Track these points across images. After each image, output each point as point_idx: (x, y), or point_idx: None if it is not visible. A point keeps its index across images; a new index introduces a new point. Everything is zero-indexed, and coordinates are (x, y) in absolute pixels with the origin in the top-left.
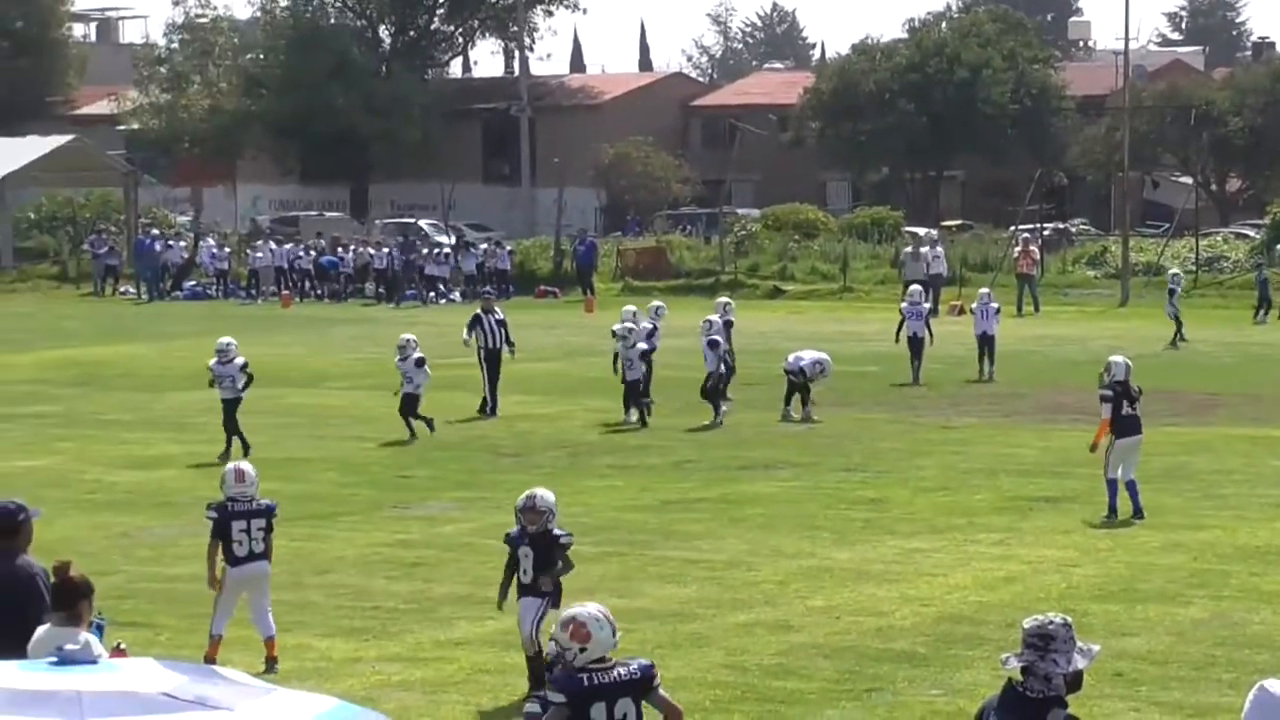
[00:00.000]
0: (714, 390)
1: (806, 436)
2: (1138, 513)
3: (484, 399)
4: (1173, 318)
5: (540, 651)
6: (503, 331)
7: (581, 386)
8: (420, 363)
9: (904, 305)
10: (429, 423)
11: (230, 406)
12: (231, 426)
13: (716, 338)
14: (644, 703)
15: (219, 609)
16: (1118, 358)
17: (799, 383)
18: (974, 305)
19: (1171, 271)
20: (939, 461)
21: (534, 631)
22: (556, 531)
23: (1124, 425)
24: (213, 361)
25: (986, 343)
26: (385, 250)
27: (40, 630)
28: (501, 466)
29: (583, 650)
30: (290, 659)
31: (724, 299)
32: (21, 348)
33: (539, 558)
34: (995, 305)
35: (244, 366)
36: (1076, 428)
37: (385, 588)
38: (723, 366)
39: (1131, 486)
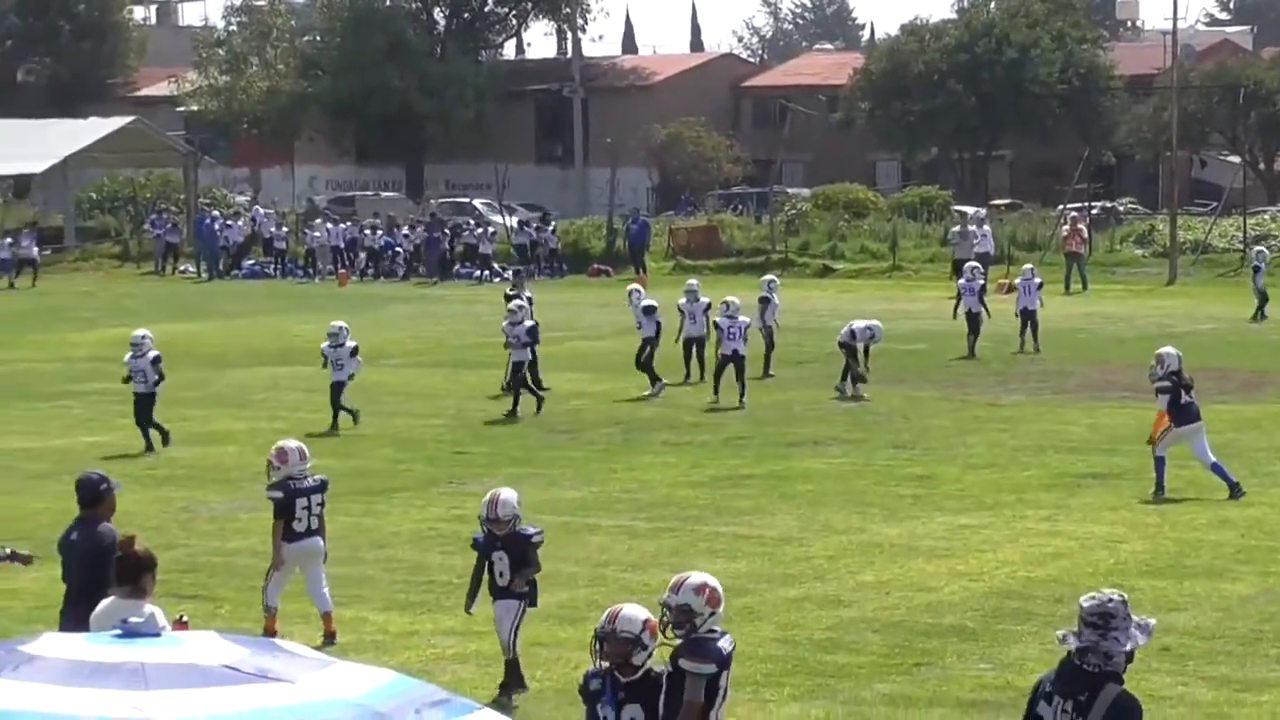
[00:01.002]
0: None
1: (856, 413)
2: (1234, 489)
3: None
4: (1258, 293)
5: (518, 657)
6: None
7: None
8: (353, 351)
9: (961, 282)
10: (354, 414)
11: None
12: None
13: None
14: None
15: (273, 582)
16: (1169, 349)
17: (851, 352)
18: (1018, 280)
19: (1256, 249)
20: (987, 439)
21: (513, 636)
22: (527, 530)
23: (1183, 414)
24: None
25: (1028, 317)
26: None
27: (104, 603)
28: (556, 443)
29: (712, 614)
30: (348, 632)
31: (769, 277)
32: (84, 326)
33: (514, 560)
34: (1038, 281)
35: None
36: (1125, 405)
37: (441, 562)
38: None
39: (1217, 469)
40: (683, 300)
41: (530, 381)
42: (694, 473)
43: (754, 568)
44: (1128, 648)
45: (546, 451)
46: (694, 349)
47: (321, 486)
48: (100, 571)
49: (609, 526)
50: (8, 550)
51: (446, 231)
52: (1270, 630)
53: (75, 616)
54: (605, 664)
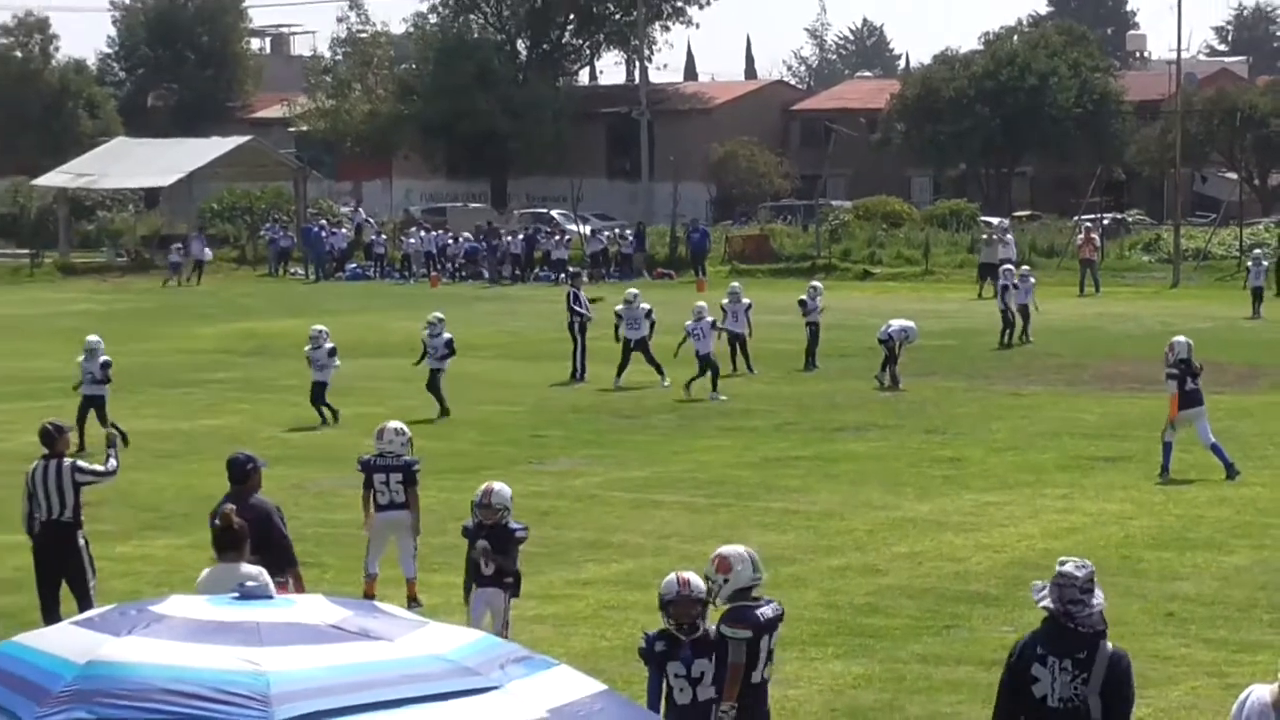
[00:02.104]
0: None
1: (893, 402)
2: (1230, 470)
3: (576, 366)
4: (1253, 291)
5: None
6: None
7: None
8: (332, 352)
9: (1000, 284)
10: (334, 413)
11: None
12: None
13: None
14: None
15: (369, 550)
16: (1180, 338)
17: (890, 349)
18: (1014, 281)
19: (1255, 251)
20: (1010, 425)
21: (504, 627)
22: (512, 525)
23: (1185, 398)
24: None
25: (1022, 312)
26: (520, 237)
27: (207, 570)
28: (623, 428)
29: (725, 581)
30: (438, 595)
31: (815, 282)
32: (206, 322)
33: (497, 551)
34: (1032, 280)
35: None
36: (1133, 395)
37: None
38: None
39: (1216, 449)
40: (725, 300)
41: (439, 392)
42: (746, 454)
43: (800, 540)
44: (1103, 604)
45: (615, 435)
46: (736, 345)
47: (403, 468)
48: (262, 538)
49: (671, 502)
50: (109, 454)
51: (553, 239)
52: (1264, 597)
53: None
54: (672, 625)
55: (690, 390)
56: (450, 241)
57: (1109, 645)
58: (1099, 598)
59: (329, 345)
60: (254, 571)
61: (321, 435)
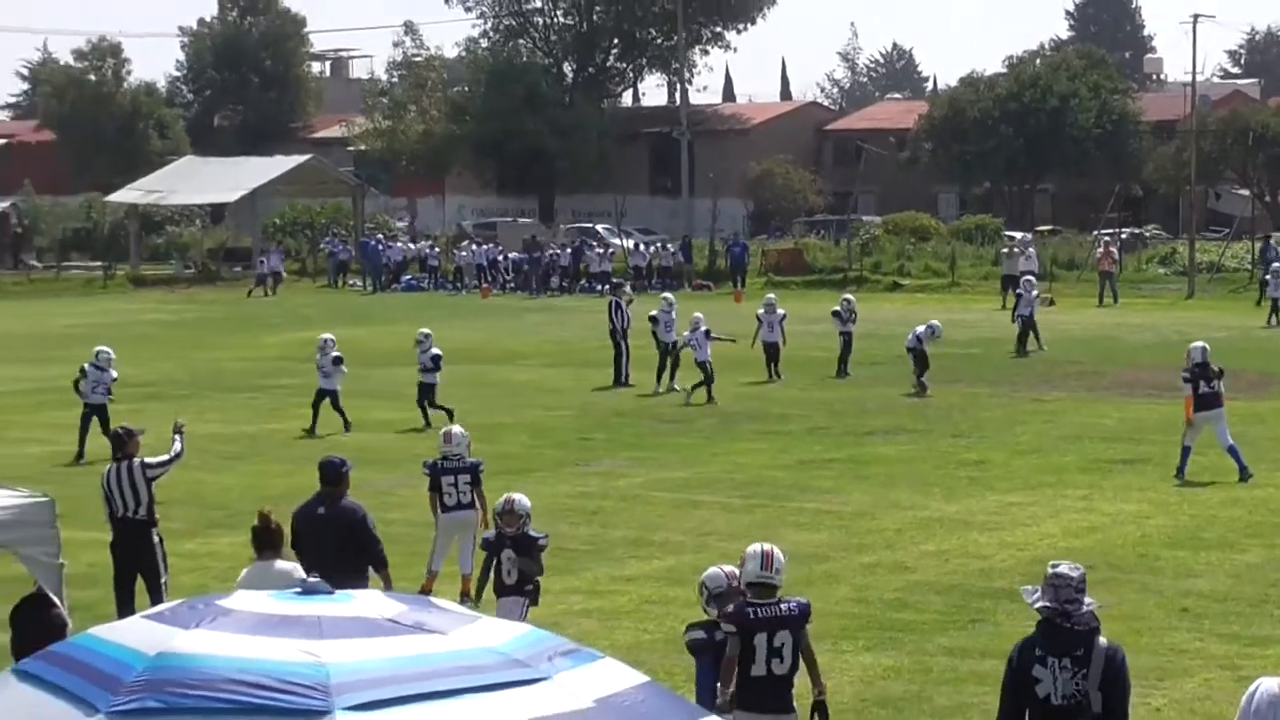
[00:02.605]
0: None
1: (921, 407)
2: (1243, 472)
3: (619, 372)
4: (1271, 300)
5: None
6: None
7: (731, 365)
8: (337, 360)
9: (1019, 293)
10: (345, 421)
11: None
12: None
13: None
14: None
15: (435, 549)
16: (1196, 344)
17: (918, 355)
18: (1019, 291)
19: (1275, 265)
20: (1033, 429)
21: None
22: (533, 533)
23: (1203, 401)
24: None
25: (1027, 323)
26: (566, 251)
27: (250, 567)
28: (665, 431)
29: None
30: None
31: (847, 295)
32: (269, 331)
33: (521, 559)
34: (1035, 292)
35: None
36: (1150, 401)
37: (569, 532)
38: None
39: (1233, 451)
40: (761, 311)
41: (426, 405)
42: (782, 457)
43: (833, 538)
44: (1093, 606)
45: (657, 439)
46: (769, 353)
47: (469, 469)
48: (353, 536)
49: (710, 502)
50: (175, 440)
51: (597, 252)
52: (1275, 594)
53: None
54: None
55: (691, 396)
56: (500, 255)
57: (1103, 641)
58: (1089, 598)
59: (335, 353)
60: (289, 567)
61: (379, 438)
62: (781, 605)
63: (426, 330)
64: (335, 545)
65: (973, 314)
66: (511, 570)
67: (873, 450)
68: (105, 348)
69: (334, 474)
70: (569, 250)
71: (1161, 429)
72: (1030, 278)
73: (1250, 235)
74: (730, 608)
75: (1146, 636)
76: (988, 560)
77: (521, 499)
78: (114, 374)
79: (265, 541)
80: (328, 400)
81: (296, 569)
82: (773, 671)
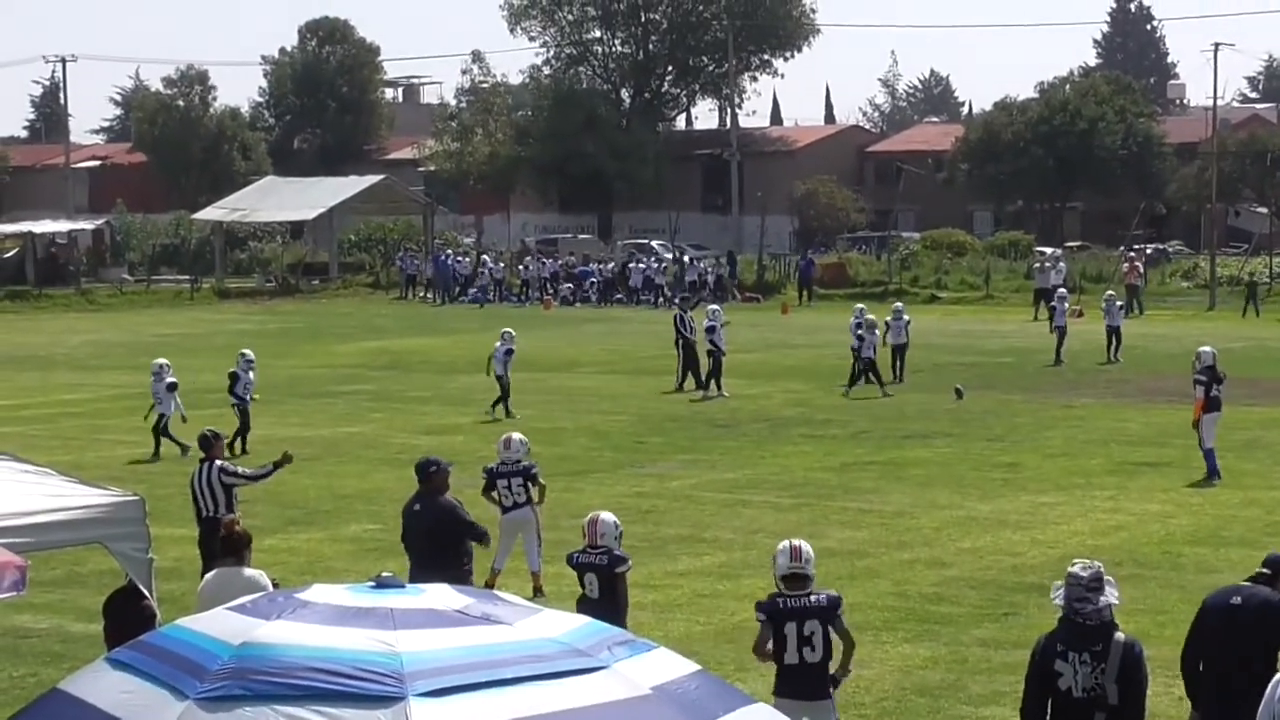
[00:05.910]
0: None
1: (957, 412)
2: (1212, 474)
3: (681, 377)
4: None
5: None
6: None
7: (779, 373)
8: (172, 387)
9: (1053, 304)
10: (182, 447)
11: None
12: (160, 435)
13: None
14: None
15: (500, 548)
16: (1206, 348)
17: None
18: (1102, 304)
19: None
20: (1063, 433)
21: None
22: (619, 554)
23: (1213, 403)
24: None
25: (1113, 333)
26: (630, 265)
27: (212, 572)
28: (716, 435)
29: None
30: (550, 584)
31: (898, 304)
32: (344, 340)
33: (603, 585)
34: (1120, 304)
35: (172, 388)
36: (1173, 407)
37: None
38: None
39: (1209, 454)
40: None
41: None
42: (826, 459)
43: (874, 536)
44: (1113, 601)
45: (708, 442)
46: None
47: (523, 472)
48: (449, 532)
49: (758, 502)
50: (270, 466)
51: (654, 266)
52: None
53: (420, 568)
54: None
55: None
56: (560, 270)
57: (1121, 635)
58: (1109, 596)
59: (170, 379)
60: (255, 574)
61: (449, 440)
62: (810, 597)
63: (508, 328)
64: (428, 538)
65: (1006, 325)
66: (594, 591)
67: (912, 453)
68: (159, 359)
69: (423, 473)
70: (611, 265)
71: (1184, 434)
72: (1062, 291)
73: (1268, 250)
74: (763, 599)
75: (1170, 629)
76: (1020, 557)
77: (606, 517)
78: (170, 380)
79: (227, 548)
80: (166, 423)
81: (262, 576)
82: (805, 660)
